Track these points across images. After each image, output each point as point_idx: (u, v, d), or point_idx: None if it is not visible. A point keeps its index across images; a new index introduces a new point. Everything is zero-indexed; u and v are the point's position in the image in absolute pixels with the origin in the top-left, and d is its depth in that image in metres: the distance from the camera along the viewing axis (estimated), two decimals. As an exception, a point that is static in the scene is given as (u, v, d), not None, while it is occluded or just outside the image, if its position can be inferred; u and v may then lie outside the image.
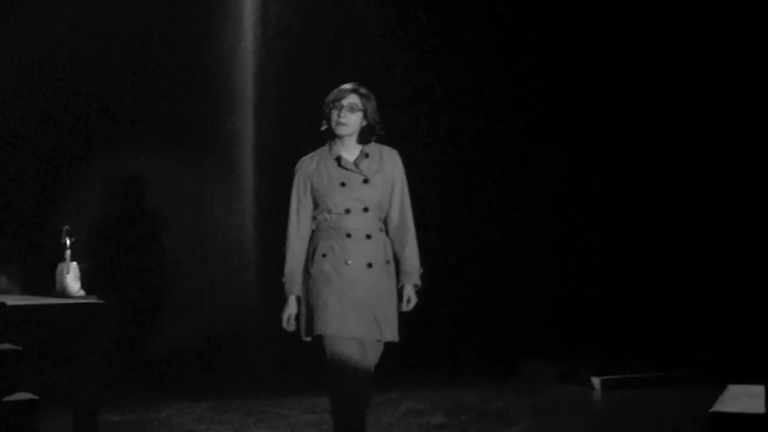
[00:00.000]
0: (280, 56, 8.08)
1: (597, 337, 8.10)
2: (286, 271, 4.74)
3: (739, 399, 4.69)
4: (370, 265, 4.70)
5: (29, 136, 7.35)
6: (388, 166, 4.82)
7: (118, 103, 7.67)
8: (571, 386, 7.56)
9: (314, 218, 4.78)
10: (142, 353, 7.51)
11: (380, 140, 4.84)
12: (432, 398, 7.02)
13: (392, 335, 4.75)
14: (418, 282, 4.80)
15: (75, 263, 5.35)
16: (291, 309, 4.73)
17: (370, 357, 4.70)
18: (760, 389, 4.56)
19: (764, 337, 6.98)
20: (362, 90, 4.78)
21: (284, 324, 4.72)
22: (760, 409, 4.22)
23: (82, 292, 5.34)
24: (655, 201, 8.17)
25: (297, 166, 4.83)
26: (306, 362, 5.19)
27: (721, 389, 5.09)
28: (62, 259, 5.35)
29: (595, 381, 7.49)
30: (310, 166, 4.79)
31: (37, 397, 4.91)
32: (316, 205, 4.77)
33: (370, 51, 7.97)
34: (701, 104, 7.89)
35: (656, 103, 8.04)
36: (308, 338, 4.70)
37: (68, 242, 5.36)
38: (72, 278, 5.32)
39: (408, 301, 4.76)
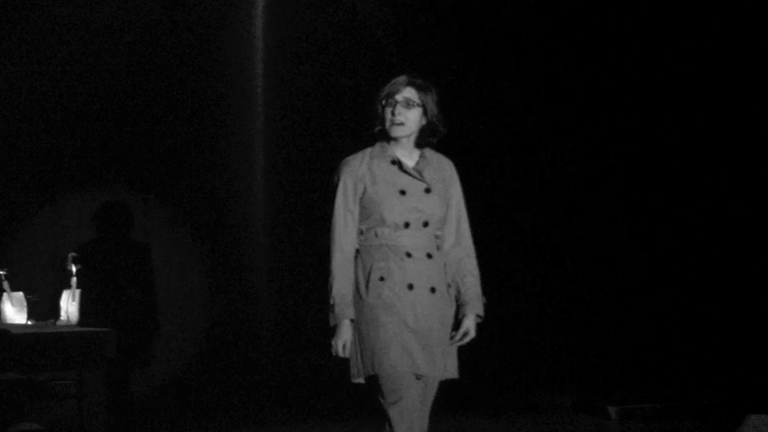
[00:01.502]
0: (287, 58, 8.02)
1: (614, 365, 8.00)
2: (334, 293, 3.88)
3: (758, 429, 4.60)
4: (433, 290, 3.96)
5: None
6: (447, 175, 4.08)
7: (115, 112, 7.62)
8: (587, 416, 7.45)
9: (360, 232, 3.98)
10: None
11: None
12: (444, 428, 6.92)
13: (454, 371, 4.04)
14: (482, 312, 4.05)
15: (79, 290, 5.17)
16: (347, 334, 3.90)
17: (429, 397, 4.00)
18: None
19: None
20: (420, 81, 4.03)
21: (339, 351, 3.91)
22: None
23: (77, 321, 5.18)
24: (669, 219, 8.07)
25: (341, 168, 4.00)
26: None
27: (740, 419, 5.01)
28: (67, 286, 5.16)
29: (612, 410, 7.38)
30: (360, 168, 3.98)
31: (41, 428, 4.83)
32: (365, 216, 3.97)
33: (369, 51, 7.94)
34: (701, 105, 7.79)
35: (657, 103, 7.95)
36: (361, 380, 3.95)
37: (74, 269, 5.16)
38: (76, 306, 5.15)
39: (466, 335, 4.00)
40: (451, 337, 3.99)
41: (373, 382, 3.90)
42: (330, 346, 3.91)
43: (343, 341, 3.90)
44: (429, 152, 4.07)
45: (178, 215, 8.00)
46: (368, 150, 4.02)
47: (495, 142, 8.19)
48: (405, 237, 3.93)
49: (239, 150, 8.10)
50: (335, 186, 3.97)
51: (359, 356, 3.91)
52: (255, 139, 8.11)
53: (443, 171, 4.07)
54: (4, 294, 5.10)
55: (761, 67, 7.47)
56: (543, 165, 8.20)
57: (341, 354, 3.90)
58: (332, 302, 3.88)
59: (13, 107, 7.26)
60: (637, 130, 8.00)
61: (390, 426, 3.85)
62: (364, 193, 3.95)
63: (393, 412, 3.86)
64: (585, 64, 8.01)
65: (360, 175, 3.96)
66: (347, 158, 4.02)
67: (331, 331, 3.91)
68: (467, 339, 4.00)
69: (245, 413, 7.37)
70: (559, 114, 8.12)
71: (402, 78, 4.02)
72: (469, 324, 4.01)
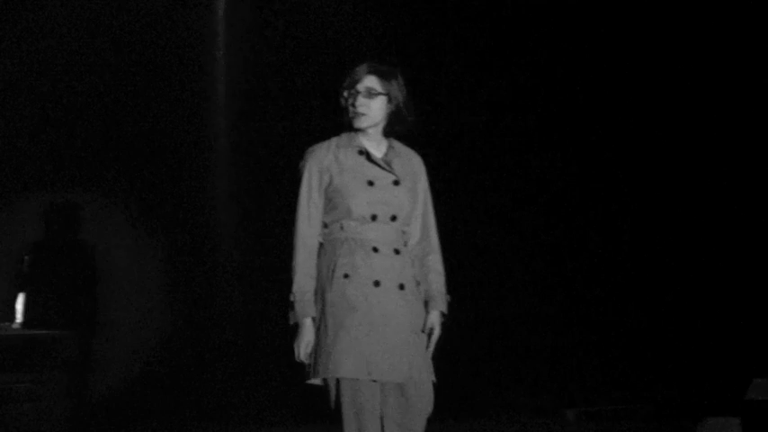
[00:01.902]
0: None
1: (572, 368, 8.02)
2: (295, 288, 3.66)
3: (715, 431, 4.65)
4: (401, 287, 3.72)
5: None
6: (416, 169, 3.87)
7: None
8: (545, 419, 7.47)
9: (324, 225, 3.77)
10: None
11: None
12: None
13: (428, 373, 3.75)
14: (445, 310, 3.81)
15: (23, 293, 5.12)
16: (310, 334, 3.66)
17: (417, 404, 3.72)
18: (735, 420, 4.52)
19: (738, 370, 6.93)
20: (383, 68, 3.80)
21: (302, 354, 3.68)
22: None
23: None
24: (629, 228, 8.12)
25: (306, 157, 3.79)
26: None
27: (697, 421, 5.04)
28: (23, 289, 5.13)
29: (570, 413, 7.41)
30: (326, 157, 3.76)
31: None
32: (330, 208, 3.76)
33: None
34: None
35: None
36: (317, 381, 3.70)
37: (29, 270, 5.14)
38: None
39: (431, 332, 3.77)
40: (422, 330, 3.76)
41: (331, 385, 3.66)
42: (292, 347, 3.66)
43: (306, 342, 3.67)
44: (397, 144, 3.87)
45: (135, 215, 7.94)
46: (334, 140, 3.82)
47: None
48: (371, 230, 3.72)
49: (199, 147, 8.07)
50: (300, 176, 3.76)
51: (314, 357, 3.67)
52: (218, 134, 8.09)
53: (412, 164, 3.86)
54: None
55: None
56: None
57: (303, 357, 3.67)
58: (292, 299, 3.67)
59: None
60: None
61: None
62: (330, 183, 3.74)
63: (349, 421, 3.64)
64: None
65: (326, 164, 3.75)
66: (312, 147, 3.80)
67: (291, 330, 3.67)
68: (434, 338, 3.77)
69: (202, 412, 7.35)
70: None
71: (363, 67, 3.81)
72: (434, 320, 3.77)
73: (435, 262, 3.86)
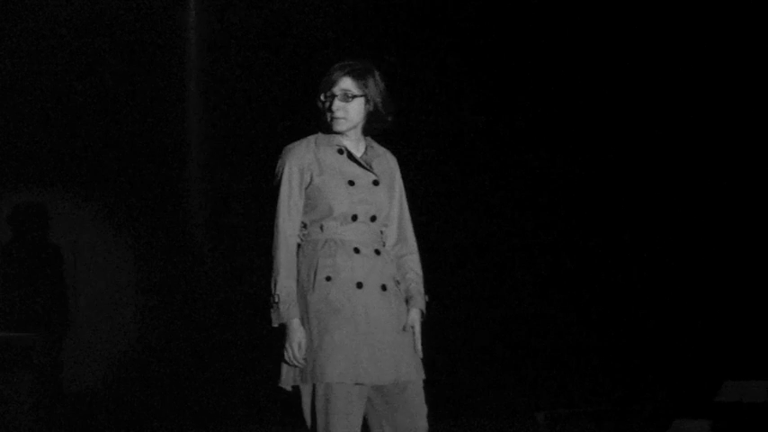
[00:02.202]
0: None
1: (542, 370, 8.03)
2: (278, 289, 3.60)
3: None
4: (384, 288, 3.67)
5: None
6: (393, 169, 3.83)
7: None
8: (515, 421, 7.47)
9: (303, 225, 3.71)
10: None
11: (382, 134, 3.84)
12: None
13: (420, 371, 3.72)
14: (424, 309, 3.78)
15: None
16: (300, 334, 3.58)
17: (411, 404, 3.67)
18: (704, 423, 4.56)
19: (708, 372, 6.98)
20: (357, 67, 3.72)
21: (296, 354, 3.59)
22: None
23: None
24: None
25: (285, 155, 3.72)
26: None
27: (667, 424, 5.07)
28: None
29: (539, 416, 7.41)
30: (306, 155, 3.70)
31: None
32: (309, 208, 3.69)
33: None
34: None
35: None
36: (288, 388, 3.65)
37: None
38: None
39: (413, 331, 3.73)
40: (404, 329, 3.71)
41: (307, 391, 3.60)
42: (284, 349, 3.58)
43: (298, 342, 3.59)
44: (375, 143, 3.82)
45: (105, 214, 7.92)
46: (312, 138, 3.76)
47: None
48: (352, 231, 3.66)
49: (170, 145, 8.03)
50: (280, 175, 3.68)
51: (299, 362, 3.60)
52: (188, 132, 8.05)
53: (389, 164, 3.82)
54: None
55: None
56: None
57: (296, 356, 3.58)
58: (276, 300, 3.60)
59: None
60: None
61: None
62: (310, 182, 3.67)
63: (337, 427, 3.54)
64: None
65: (306, 163, 3.68)
66: (291, 145, 3.74)
67: (276, 333, 3.62)
68: (417, 335, 3.73)
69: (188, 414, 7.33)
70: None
71: (336, 68, 3.72)
72: (414, 317, 3.73)
73: (413, 262, 3.82)
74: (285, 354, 3.59)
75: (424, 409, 3.70)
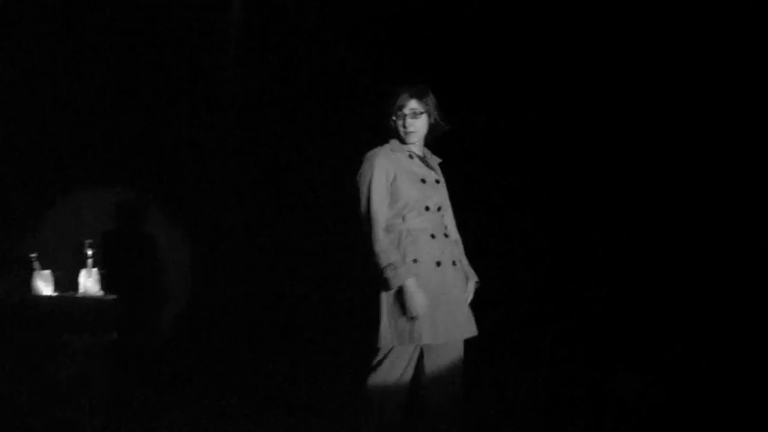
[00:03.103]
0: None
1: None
2: (393, 259, 4.48)
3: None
4: (454, 263, 4.70)
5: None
6: (440, 170, 4.88)
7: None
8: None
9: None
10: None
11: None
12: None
13: (475, 329, 4.76)
14: (478, 280, 4.89)
15: (95, 269, 6.37)
16: (419, 293, 4.53)
17: (460, 360, 4.72)
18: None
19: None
20: (420, 90, 4.73)
21: (419, 310, 4.52)
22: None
23: (101, 293, 6.36)
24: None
25: (371, 159, 4.63)
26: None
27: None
28: (85, 266, 6.36)
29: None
30: (389, 159, 4.65)
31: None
32: (392, 202, 4.61)
33: (368, 50, 7.93)
34: (701, 104, 7.86)
35: (658, 103, 8.00)
36: (389, 347, 4.57)
37: (90, 252, 6.37)
38: (93, 281, 6.37)
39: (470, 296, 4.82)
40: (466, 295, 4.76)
41: (385, 351, 4.50)
42: (404, 309, 4.46)
43: (420, 299, 4.49)
44: (428, 150, 4.83)
45: (175, 214, 8.23)
46: (386, 146, 4.69)
47: (494, 142, 8.22)
48: (427, 220, 4.60)
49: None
50: (370, 175, 4.56)
51: (393, 327, 4.50)
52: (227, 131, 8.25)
53: (438, 166, 4.82)
54: (36, 272, 6.28)
55: (761, 68, 7.55)
56: (543, 164, 8.22)
57: (421, 310, 4.47)
58: (394, 265, 4.45)
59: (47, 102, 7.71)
60: (637, 130, 8.07)
61: (380, 398, 4.50)
62: (393, 181, 4.58)
63: (388, 376, 4.45)
64: (585, 63, 8.07)
65: (389, 165, 4.59)
66: (374, 152, 4.64)
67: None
68: (469, 300, 4.78)
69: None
70: (559, 114, 8.16)
71: (404, 92, 4.66)
72: (471, 288, 4.82)
73: (461, 245, 4.87)
74: (408, 312, 4.48)
75: (461, 364, 4.65)
